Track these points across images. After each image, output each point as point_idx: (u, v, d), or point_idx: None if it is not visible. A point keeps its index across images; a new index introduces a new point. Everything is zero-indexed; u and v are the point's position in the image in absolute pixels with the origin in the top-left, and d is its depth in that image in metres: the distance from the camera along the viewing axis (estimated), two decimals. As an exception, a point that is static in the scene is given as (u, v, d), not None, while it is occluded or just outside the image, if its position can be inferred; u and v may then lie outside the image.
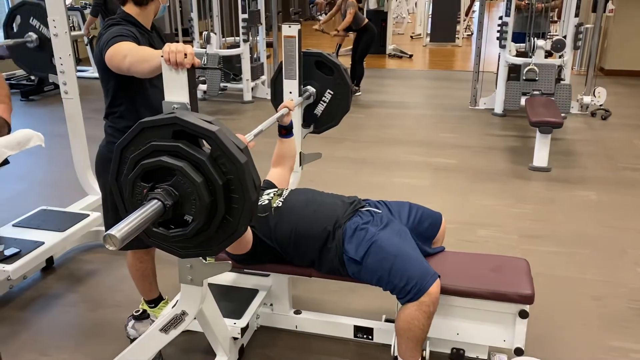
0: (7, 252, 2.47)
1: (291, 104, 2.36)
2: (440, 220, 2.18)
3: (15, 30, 3.06)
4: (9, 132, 2.44)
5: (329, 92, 2.61)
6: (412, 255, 1.87)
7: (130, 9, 2.02)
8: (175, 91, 1.49)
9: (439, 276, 1.82)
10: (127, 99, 2.03)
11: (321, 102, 2.64)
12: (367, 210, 2.05)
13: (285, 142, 2.43)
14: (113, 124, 2.09)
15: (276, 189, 2.19)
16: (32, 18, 2.94)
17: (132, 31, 1.93)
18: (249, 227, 1.89)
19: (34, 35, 2.95)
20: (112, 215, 2.10)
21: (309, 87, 2.61)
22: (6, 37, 3.11)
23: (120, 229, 1.20)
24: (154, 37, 2.10)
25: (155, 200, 1.31)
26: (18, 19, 3.06)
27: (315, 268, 2.02)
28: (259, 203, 2.08)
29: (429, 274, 1.81)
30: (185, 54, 1.45)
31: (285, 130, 2.40)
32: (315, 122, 2.67)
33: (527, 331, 1.91)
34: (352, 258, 1.88)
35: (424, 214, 2.15)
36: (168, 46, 1.46)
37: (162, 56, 1.48)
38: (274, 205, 2.03)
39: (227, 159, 1.33)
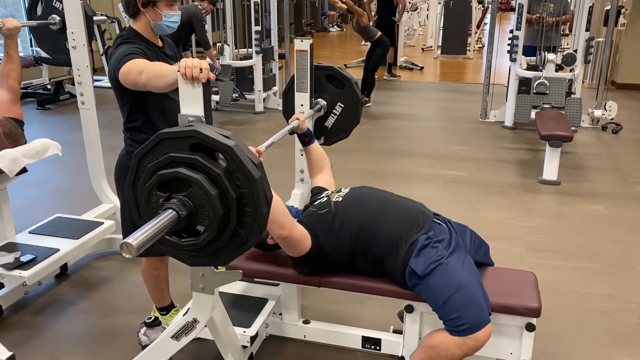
0: (23, 259, 2.52)
1: (301, 116, 2.39)
2: (489, 250, 2.17)
3: (39, 14, 3.09)
4: (25, 141, 2.51)
5: (339, 105, 2.65)
6: (475, 292, 1.81)
7: (134, 24, 2.08)
8: (191, 104, 1.54)
9: (490, 321, 1.79)
10: (143, 114, 2.08)
11: (332, 114, 2.67)
12: (440, 225, 2.01)
13: (312, 149, 2.43)
14: (131, 136, 2.15)
15: (333, 189, 2.19)
16: (55, 0, 2.96)
17: (140, 48, 1.98)
18: (302, 228, 1.93)
19: (57, 18, 2.94)
20: (130, 222, 2.14)
21: (319, 100, 2.65)
22: (29, 19, 3.12)
23: (137, 237, 1.24)
24: (165, 51, 2.15)
25: (171, 210, 1.35)
26: (42, 3, 3.08)
27: (365, 273, 1.99)
28: (318, 201, 2.10)
29: (483, 317, 1.77)
30: (201, 69, 1.50)
31: (307, 138, 2.42)
32: (326, 134, 2.70)
33: (534, 346, 1.92)
34: (416, 273, 1.84)
35: (479, 242, 2.13)
36: (184, 61, 1.51)
37: (178, 71, 1.53)
38: (334, 199, 2.04)
39: (242, 173, 1.37)
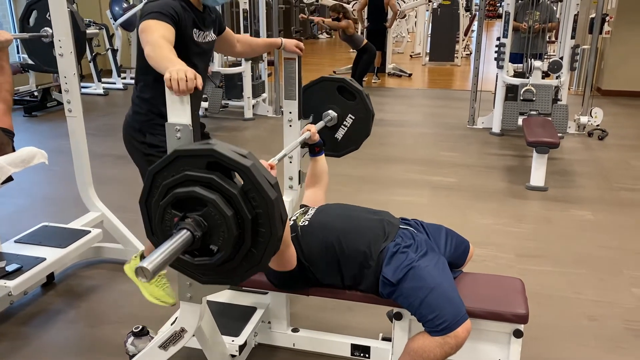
0: (9, 268, 2.49)
1: (312, 128, 2.39)
2: (469, 248, 2.18)
3: (31, 24, 3.07)
4: (12, 150, 2.49)
5: (350, 117, 2.64)
6: (448, 290, 1.84)
7: None
8: (178, 113, 1.53)
9: (467, 317, 1.81)
10: (155, 71, 2.05)
11: (342, 126, 2.67)
12: (407, 230, 2.03)
13: (319, 160, 2.44)
14: (140, 92, 2.15)
15: (301, 209, 2.18)
16: (48, 14, 2.95)
17: (173, 8, 1.95)
18: (292, 243, 1.92)
19: (49, 30, 2.93)
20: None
21: (330, 111, 2.64)
22: (21, 29, 3.10)
23: (152, 261, 1.22)
24: (204, 18, 2.12)
25: (185, 231, 1.33)
26: (35, 13, 3.06)
27: (350, 287, 2.00)
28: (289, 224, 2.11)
29: (460, 314, 1.79)
30: (187, 79, 1.47)
31: (318, 148, 2.42)
32: (336, 145, 2.70)
33: (523, 351, 1.93)
34: (389, 280, 1.86)
35: (457, 241, 2.14)
36: (169, 73, 1.48)
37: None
38: (300, 224, 2.03)
39: (258, 193, 1.35)
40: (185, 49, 2.06)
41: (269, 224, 1.37)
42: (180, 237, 1.31)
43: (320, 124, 2.57)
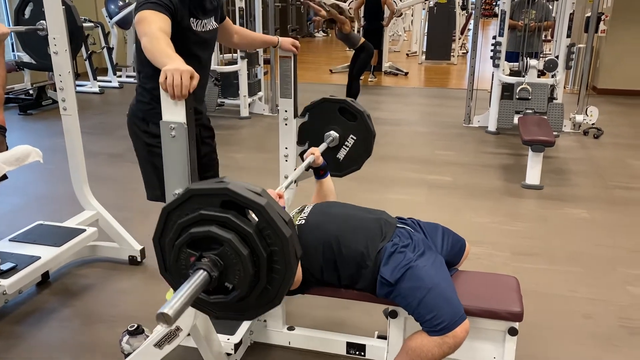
0: (3, 267, 2.49)
1: (317, 151, 2.40)
2: (465, 246, 2.18)
3: (27, 17, 3.04)
4: (6, 148, 2.48)
5: (351, 137, 2.65)
6: (446, 290, 1.83)
7: None
8: (173, 111, 1.53)
9: (466, 317, 1.80)
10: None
11: (344, 146, 2.67)
12: (404, 229, 2.02)
13: (325, 182, 2.43)
14: (142, 83, 2.15)
15: (298, 208, 2.18)
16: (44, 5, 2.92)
17: None
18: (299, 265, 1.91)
19: (45, 23, 2.92)
20: (153, 172, 2.19)
21: (332, 132, 2.65)
22: (16, 22, 3.08)
23: (172, 306, 1.21)
24: (205, 6, 2.10)
25: (202, 271, 1.33)
26: (31, 5, 3.03)
27: (347, 287, 1.99)
28: None
29: (458, 314, 1.79)
30: (182, 84, 1.46)
31: (322, 171, 2.41)
32: (338, 165, 2.70)
33: (518, 349, 1.93)
34: (387, 280, 1.85)
35: (454, 239, 2.14)
36: (165, 74, 1.47)
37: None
38: (297, 223, 2.02)
39: (273, 231, 1.35)
40: (184, 39, 2.04)
41: (284, 261, 1.38)
42: (197, 278, 1.31)
43: (323, 146, 2.58)
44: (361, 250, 1.92)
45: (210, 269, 1.33)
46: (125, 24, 8.37)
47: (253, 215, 1.38)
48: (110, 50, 8.48)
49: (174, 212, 1.41)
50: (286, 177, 2.75)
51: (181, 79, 1.46)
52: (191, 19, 2.06)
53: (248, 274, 1.35)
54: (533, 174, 4.35)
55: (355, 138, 2.64)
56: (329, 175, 2.45)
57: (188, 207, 1.39)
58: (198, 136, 2.33)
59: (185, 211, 1.39)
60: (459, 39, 12.25)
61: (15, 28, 2.92)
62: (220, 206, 1.36)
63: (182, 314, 1.60)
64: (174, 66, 1.50)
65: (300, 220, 2.04)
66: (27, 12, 3.03)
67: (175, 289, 1.46)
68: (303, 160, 2.45)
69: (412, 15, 14.19)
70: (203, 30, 2.13)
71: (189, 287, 1.27)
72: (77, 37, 3.00)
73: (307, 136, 2.67)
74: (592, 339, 2.47)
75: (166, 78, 1.46)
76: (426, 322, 1.79)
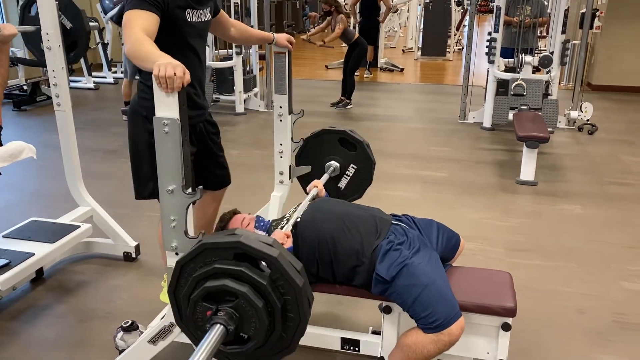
0: (-3, 263, 2.48)
1: (320, 184, 2.42)
2: (459, 241, 2.19)
3: (32, 14, 3.01)
4: (0, 144, 2.47)
5: (352, 167, 2.67)
6: (442, 287, 1.83)
7: None
8: (166, 107, 1.52)
9: (461, 314, 1.81)
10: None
11: (345, 176, 2.69)
12: (399, 226, 2.02)
13: None
14: (144, 80, 2.11)
15: (293, 207, 2.17)
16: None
17: None
18: None
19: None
20: (148, 161, 2.08)
21: (332, 162, 2.67)
22: (21, 18, 3.04)
23: None
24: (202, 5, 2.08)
25: (219, 326, 1.35)
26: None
27: (343, 284, 2.00)
28: (280, 225, 2.12)
29: (453, 312, 1.79)
30: (175, 74, 1.46)
31: None
32: (340, 195, 2.71)
33: (511, 344, 1.94)
34: (382, 278, 1.86)
35: (448, 235, 2.14)
36: (157, 68, 1.47)
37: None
38: (292, 221, 2.02)
39: (286, 281, 1.37)
40: (179, 32, 2.03)
41: (297, 309, 1.40)
42: (215, 333, 1.33)
43: (325, 177, 2.60)
44: (356, 248, 1.92)
45: (227, 323, 1.36)
46: (120, 19, 8.32)
47: (264, 264, 1.40)
48: (105, 46, 8.45)
49: (188, 265, 1.43)
50: (281, 174, 2.75)
51: (174, 71, 1.46)
52: (187, 9, 2.04)
53: (264, 325, 1.38)
54: (527, 170, 4.36)
55: (355, 167, 2.67)
56: None
57: (201, 260, 1.41)
58: (203, 131, 2.32)
59: (199, 264, 1.41)
60: (455, 35, 12.27)
61: (23, 28, 2.89)
62: (233, 258, 1.39)
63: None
64: (166, 60, 1.50)
65: (296, 218, 2.04)
66: (34, 9, 3.00)
67: (190, 338, 1.49)
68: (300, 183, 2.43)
69: (408, 11, 14.20)
70: (199, 20, 2.11)
71: (208, 344, 1.30)
72: (83, 41, 2.99)
73: (303, 163, 2.72)
74: (586, 334, 2.49)
75: (159, 72, 1.46)
76: (421, 320, 1.80)
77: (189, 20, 2.05)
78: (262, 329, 1.38)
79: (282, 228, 2.09)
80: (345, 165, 2.68)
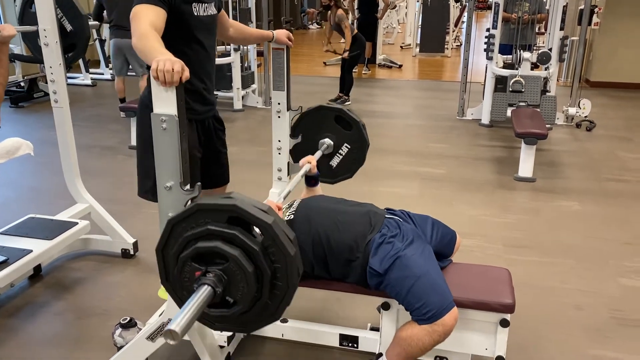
0: (-5, 260, 2.47)
1: (313, 160, 2.41)
2: (455, 238, 2.19)
3: (33, 10, 2.98)
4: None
5: (346, 146, 2.66)
6: (435, 278, 1.84)
7: None
8: (164, 103, 1.52)
9: (455, 305, 1.81)
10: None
11: (337, 154, 2.68)
12: (393, 219, 2.03)
13: (314, 191, 2.44)
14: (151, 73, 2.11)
15: (287, 203, 2.17)
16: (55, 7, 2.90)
17: None
18: None
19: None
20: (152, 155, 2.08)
21: (326, 139, 2.65)
22: (22, 14, 3.02)
23: (179, 323, 1.22)
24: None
25: (207, 287, 1.34)
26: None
27: (338, 280, 2.00)
28: None
29: (446, 302, 1.80)
30: (173, 69, 1.46)
31: (314, 180, 2.43)
32: (331, 172, 2.70)
33: (509, 340, 1.95)
34: (376, 271, 1.87)
35: (444, 231, 2.15)
36: (156, 63, 1.47)
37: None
38: (285, 218, 2.02)
39: (278, 249, 1.37)
40: (187, 26, 2.03)
41: (286, 278, 1.39)
42: (202, 294, 1.32)
43: (318, 154, 2.59)
44: (350, 244, 1.93)
45: (215, 285, 1.35)
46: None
47: (257, 231, 1.39)
48: (102, 42, 8.42)
49: (180, 225, 1.42)
50: (279, 170, 2.75)
51: (172, 67, 1.46)
52: (193, 3, 2.04)
53: (251, 290, 1.37)
54: (526, 166, 4.36)
55: (349, 147, 2.66)
56: (319, 185, 2.47)
57: (194, 220, 1.40)
58: (211, 127, 2.32)
59: (191, 224, 1.40)
60: (453, 31, 12.24)
61: (22, 28, 2.88)
62: (226, 222, 1.38)
63: (175, 305, 1.60)
64: (165, 56, 1.50)
65: (289, 215, 2.04)
66: (35, 7, 2.98)
67: (175, 298, 1.48)
68: (292, 157, 2.43)
69: (406, 8, 14.17)
70: (205, 14, 2.10)
71: (194, 303, 1.29)
72: (82, 45, 2.98)
73: (295, 135, 2.69)
74: (584, 330, 2.49)
75: (157, 67, 1.46)
76: (415, 311, 1.81)
77: (195, 14, 2.05)
78: (249, 295, 1.37)
79: None
80: (339, 143, 2.67)
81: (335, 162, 2.69)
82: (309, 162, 2.39)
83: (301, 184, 2.44)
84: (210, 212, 1.38)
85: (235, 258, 1.34)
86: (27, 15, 2.99)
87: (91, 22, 3.13)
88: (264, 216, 1.37)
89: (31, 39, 3.01)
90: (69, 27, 2.85)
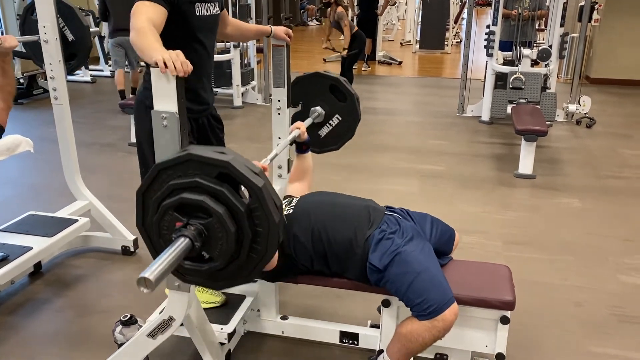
0: (-5, 257, 2.47)
1: (302, 126, 2.39)
2: (454, 235, 2.19)
3: (35, 17, 2.98)
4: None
5: (337, 117, 2.63)
6: (434, 274, 1.85)
7: None
8: (165, 100, 1.51)
9: (455, 300, 1.81)
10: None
11: (327, 124, 2.65)
12: (392, 216, 2.03)
13: (305, 158, 2.44)
14: (148, 69, 2.11)
15: (286, 199, 2.17)
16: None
17: None
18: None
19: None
20: (151, 150, 2.08)
21: (318, 107, 2.63)
22: (23, 21, 3.03)
23: (153, 272, 1.21)
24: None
25: (186, 239, 1.32)
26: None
27: (338, 275, 2.00)
28: None
29: (446, 297, 1.80)
30: (179, 56, 1.46)
31: (305, 146, 2.42)
32: (318, 142, 2.68)
33: (509, 337, 1.95)
34: (375, 267, 1.87)
35: (443, 229, 2.15)
36: (162, 55, 1.46)
37: (158, 64, 1.48)
38: (285, 212, 2.02)
39: (264, 213, 1.35)
40: (189, 26, 2.03)
41: (266, 244, 1.38)
42: (180, 245, 1.30)
43: (308, 121, 2.56)
44: (349, 238, 1.93)
45: (195, 239, 1.32)
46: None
47: (244, 192, 1.37)
48: (101, 38, 8.40)
49: (166, 171, 1.39)
50: (280, 167, 2.75)
51: (178, 57, 1.46)
52: (196, 3, 2.03)
53: (230, 250, 1.35)
54: (526, 163, 4.36)
55: (340, 118, 2.63)
56: (310, 152, 2.45)
57: (182, 170, 1.37)
58: (206, 125, 2.31)
59: (179, 172, 1.37)
60: (453, 28, 12.22)
61: (24, 38, 2.87)
62: (216, 177, 1.35)
63: (178, 304, 1.61)
64: (167, 52, 1.50)
65: (288, 209, 2.04)
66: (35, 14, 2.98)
67: (148, 245, 1.46)
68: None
69: (406, 4, 14.14)
70: (207, 14, 2.10)
71: (171, 254, 1.26)
72: (83, 56, 2.98)
73: (295, 104, 2.65)
74: (583, 327, 2.50)
75: (164, 57, 1.46)
76: (415, 307, 1.81)
77: (197, 14, 2.05)
78: (227, 254, 1.36)
79: None
80: (330, 114, 2.63)
81: (324, 132, 2.65)
82: (298, 128, 2.36)
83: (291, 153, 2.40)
84: (201, 165, 1.35)
85: (220, 215, 1.32)
86: (28, 21, 2.99)
87: (93, 30, 3.14)
88: (255, 178, 1.34)
89: (34, 50, 3.02)
90: (70, 37, 2.86)
